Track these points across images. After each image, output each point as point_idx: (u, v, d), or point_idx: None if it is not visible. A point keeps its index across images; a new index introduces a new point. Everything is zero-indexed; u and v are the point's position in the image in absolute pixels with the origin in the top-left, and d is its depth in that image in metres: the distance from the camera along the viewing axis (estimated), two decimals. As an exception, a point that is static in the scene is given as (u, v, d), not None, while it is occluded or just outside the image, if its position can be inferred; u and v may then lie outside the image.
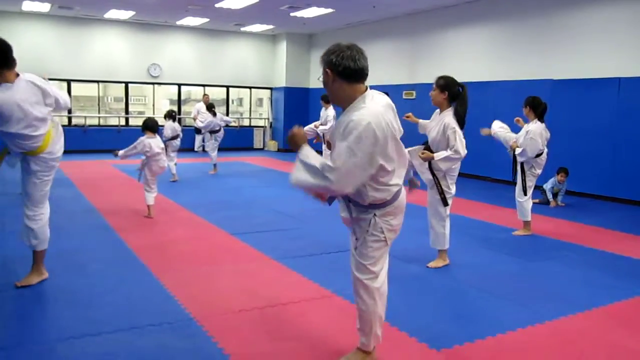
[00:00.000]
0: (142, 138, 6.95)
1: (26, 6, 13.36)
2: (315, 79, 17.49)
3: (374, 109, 2.72)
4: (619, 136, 9.00)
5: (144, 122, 7.14)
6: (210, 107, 11.53)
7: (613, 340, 3.62)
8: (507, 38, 10.91)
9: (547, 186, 8.73)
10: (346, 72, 2.73)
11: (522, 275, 5.03)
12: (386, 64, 14.04)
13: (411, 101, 12.75)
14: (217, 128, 11.34)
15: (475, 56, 11.59)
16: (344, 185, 2.65)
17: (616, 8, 9.00)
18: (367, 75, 2.78)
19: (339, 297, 4.19)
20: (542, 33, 10.15)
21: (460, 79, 12.21)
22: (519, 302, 4.24)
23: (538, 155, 6.53)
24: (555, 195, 8.65)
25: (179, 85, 16.92)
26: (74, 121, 15.73)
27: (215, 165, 11.50)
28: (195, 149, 13.56)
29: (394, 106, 2.95)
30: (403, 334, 3.57)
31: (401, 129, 2.92)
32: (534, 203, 8.64)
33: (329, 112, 10.28)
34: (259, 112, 19.44)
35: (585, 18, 9.43)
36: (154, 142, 6.95)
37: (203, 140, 12.05)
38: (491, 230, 6.85)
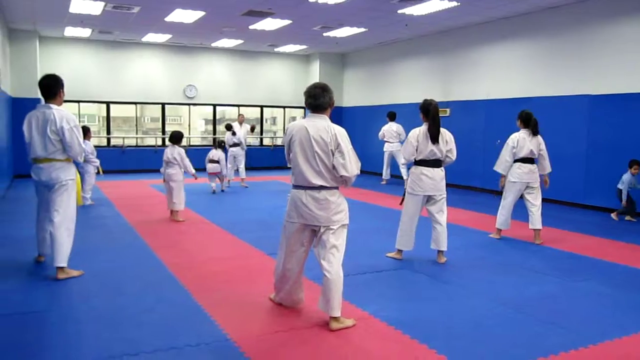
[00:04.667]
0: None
1: (68, 32, 13.83)
2: (348, 97, 17.57)
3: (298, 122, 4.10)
4: (661, 152, 8.75)
5: None
6: (228, 127, 12.56)
7: (662, 365, 3.49)
8: (543, 54, 10.77)
9: (623, 185, 8.61)
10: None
11: (563, 296, 4.90)
12: (419, 81, 14.01)
13: (446, 119, 12.65)
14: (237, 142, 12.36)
15: (511, 72, 11.46)
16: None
17: (656, 21, 8.82)
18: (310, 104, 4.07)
19: (377, 319, 4.15)
20: (579, 48, 9.99)
21: (495, 95, 12.15)
22: (560, 325, 4.12)
23: (517, 161, 7.00)
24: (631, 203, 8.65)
25: (214, 105, 17.20)
26: (113, 142, 16.11)
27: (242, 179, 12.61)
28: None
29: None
30: (441, 357, 3.51)
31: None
32: (618, 213, 8.84)
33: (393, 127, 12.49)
34: (293, 131, 19.52)
35: (623, 32, 9.25)
36: (168, 150, 8.20)
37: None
38: (527, 248, 6.70)
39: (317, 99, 4.04)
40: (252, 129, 13.28)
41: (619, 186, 8.64)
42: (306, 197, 3.97)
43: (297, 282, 4.27)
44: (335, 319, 3.93)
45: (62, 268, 5.05)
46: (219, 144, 11.51)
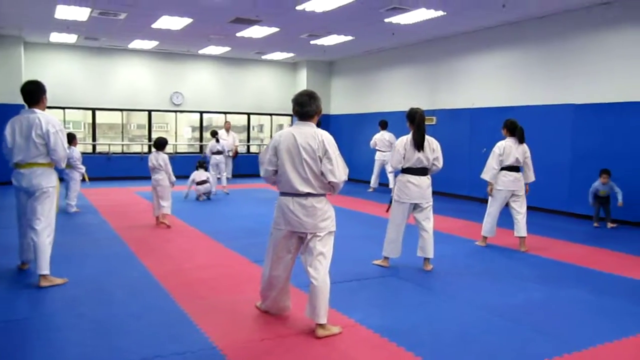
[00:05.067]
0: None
1: (54, 37, 13.74)
2: (335, 105, 17.61)
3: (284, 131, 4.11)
4: (645, 161, 8.87)
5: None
6: (213, 134, 12.74)
7: (645, 372, 3.52)
8: (527, 63, 10.88)
9: (590, 190, 8.87)
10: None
11: (548, 303, 4.93)
12: (406, 89, 14.08)
13: (432, 127, 12.72)
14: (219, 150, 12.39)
15: (496, 81, 11.57)
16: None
17: (639, 30, 8.94)
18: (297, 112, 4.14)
19: (363, 327, 4.15)
20: (564, 57, 10.11)
21: (480, 104, 12.20)
22: (546, 332, 4.15)
23: (503, 169, 7.04)
24: (604, 204, 8.86)
25: (201, 112, 17.15)
26: (98, 149, 15.99)
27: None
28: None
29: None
30: (428, 364, 3.51)
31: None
32: (596, 220, 9.01)
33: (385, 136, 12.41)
34: (279, 138, 19.51)
35: (607, 42, 9.38)
36: (153, 157, 8.28)
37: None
38: (512, 256, 6.75)
39: (305, 107, 4.06)
40: (235, 156, 13.45)
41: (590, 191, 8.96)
42: (293, 204, 3.97)
43: (284, 290, 4.26)
44: (322, 326, 3.92)
45: (45, 276, 5.00)
46: (201, 165, 11.57)
